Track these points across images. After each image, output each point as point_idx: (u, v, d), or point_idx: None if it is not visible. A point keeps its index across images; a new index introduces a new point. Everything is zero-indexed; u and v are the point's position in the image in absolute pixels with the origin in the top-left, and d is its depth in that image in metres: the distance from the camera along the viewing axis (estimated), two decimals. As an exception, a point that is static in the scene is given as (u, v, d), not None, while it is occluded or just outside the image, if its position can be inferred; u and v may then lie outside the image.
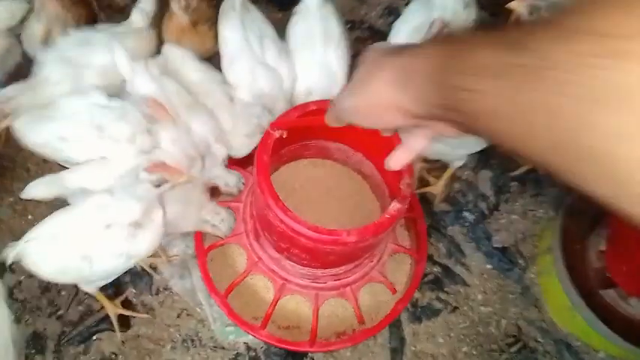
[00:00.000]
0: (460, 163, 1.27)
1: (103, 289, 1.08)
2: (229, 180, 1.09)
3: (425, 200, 1.35)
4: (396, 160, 0.73)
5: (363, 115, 0.66)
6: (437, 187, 1.34)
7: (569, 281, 1.15)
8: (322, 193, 1.16)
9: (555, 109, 0.36)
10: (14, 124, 0.99)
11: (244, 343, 1.16)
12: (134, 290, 1.19)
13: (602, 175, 0.35)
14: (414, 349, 1.19)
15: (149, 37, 1.20)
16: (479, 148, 1.15)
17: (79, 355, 1.13)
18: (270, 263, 1.04)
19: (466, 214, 1.35)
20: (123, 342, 1.15)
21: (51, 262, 0.92)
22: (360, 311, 1.05)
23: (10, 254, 0.91)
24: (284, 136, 0.92)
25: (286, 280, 1.04)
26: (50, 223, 0.93)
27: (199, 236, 1.10)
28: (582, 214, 1.21)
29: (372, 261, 1.07)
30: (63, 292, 1.18)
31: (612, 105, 0.32)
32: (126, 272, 1.18)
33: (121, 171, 0.94)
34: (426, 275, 1.27)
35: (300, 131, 1.05)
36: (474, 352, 1.19)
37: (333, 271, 1.03)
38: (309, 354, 1.17)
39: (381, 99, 0.60)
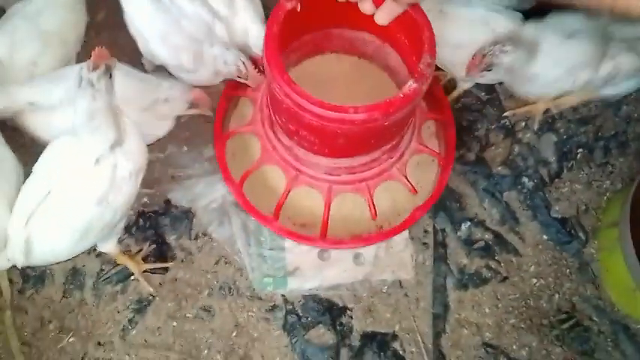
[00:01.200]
0: (467, 85, 1.23)
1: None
2: (228, 58, 1.03)
3: (482, 162, 1.26)
4: (385, 12, 0.80)
5: None
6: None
7: (635, 260, 1.05)
8: (346, 88, 1.11)
9: None
10: None
11: (282, 295, 1.13)
12: (173, 234, 1.17)
13: None
14: (457, 316, 1.13)
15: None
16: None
17: (117, 294, 1.12)
18: (283, 152, 1.02)
19: (525, 179, 1.25)
20: (160, 284, 1.13)
21: (68, 230, 0.87)
22: (374, 209, 1.02)
23: (18, 259, 0.88)
24: (298, 9, 0.86)
25: (299, 170, 1.02)
26: (33, 198, 0.86)
27: (219, 123, 1.11)
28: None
29: (391, 157, 1.02)
30: (102, 230, 1.16)
31: None
32: (165, 216, 1.17)
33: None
34: (476, 242, 1.19)
35: (323, 15, 0.97)
36: (522, 326, 1.13)
37: (347, 162, 0.99)
38: (348, 311, 1.12)
39: None
